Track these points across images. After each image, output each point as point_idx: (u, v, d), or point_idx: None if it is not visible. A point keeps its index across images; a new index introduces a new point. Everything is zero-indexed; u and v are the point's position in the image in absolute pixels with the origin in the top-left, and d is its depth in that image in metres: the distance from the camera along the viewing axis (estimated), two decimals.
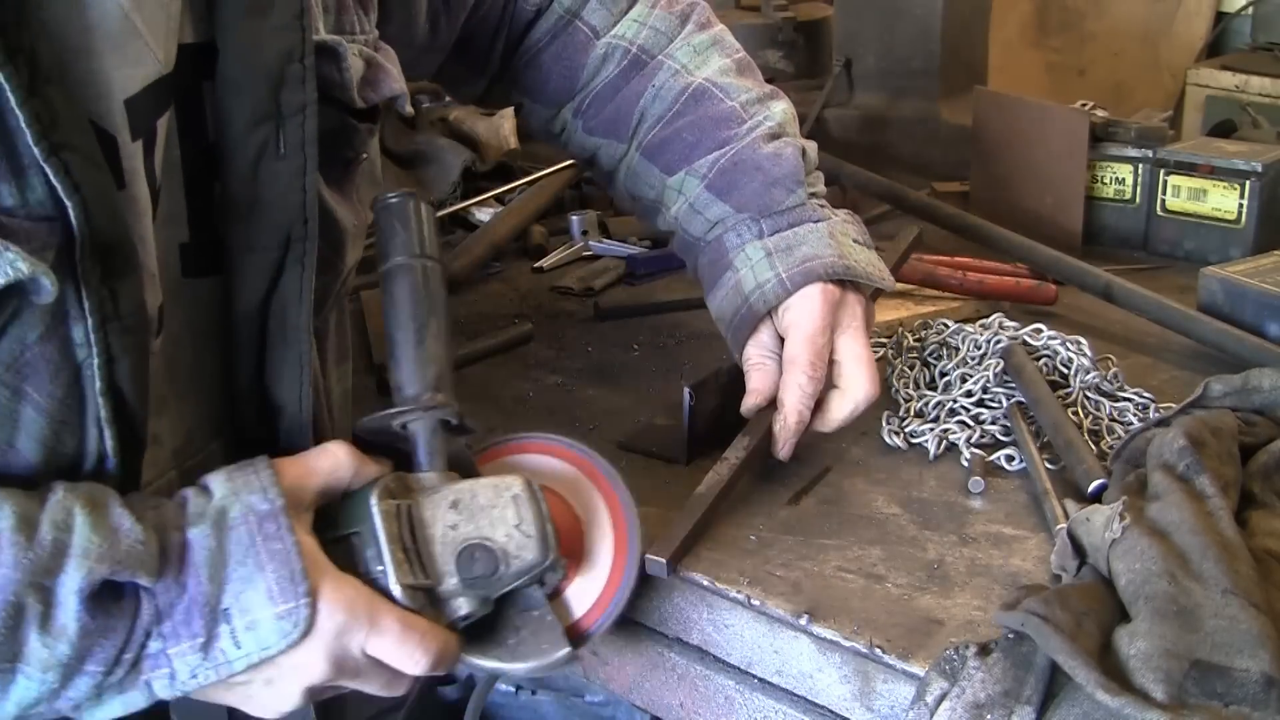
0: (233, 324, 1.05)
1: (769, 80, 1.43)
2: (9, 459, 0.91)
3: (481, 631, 1.05)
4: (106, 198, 0.90)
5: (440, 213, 2.00)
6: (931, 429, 1.33)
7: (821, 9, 2.43)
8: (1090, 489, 1.18)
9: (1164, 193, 1.81)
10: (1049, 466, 1.25)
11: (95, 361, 0.91)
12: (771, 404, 1.26)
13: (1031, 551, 1.15)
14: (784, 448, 1.25)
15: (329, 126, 1.05)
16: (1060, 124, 1.86)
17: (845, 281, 1.28)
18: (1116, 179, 1.84)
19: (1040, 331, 1.41)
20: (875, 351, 1.47)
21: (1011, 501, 1.24)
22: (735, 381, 1.33)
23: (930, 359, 1.44)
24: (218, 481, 0.97)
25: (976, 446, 1.31)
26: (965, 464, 1.29)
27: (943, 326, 1.46)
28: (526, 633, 1.06)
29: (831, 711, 1.09)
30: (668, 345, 1.61)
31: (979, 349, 1.41)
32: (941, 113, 2.21)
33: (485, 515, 1.02)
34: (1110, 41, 3.05)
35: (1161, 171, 1.80)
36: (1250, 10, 2.94)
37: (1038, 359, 1.39)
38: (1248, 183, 1.73)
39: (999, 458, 1.29)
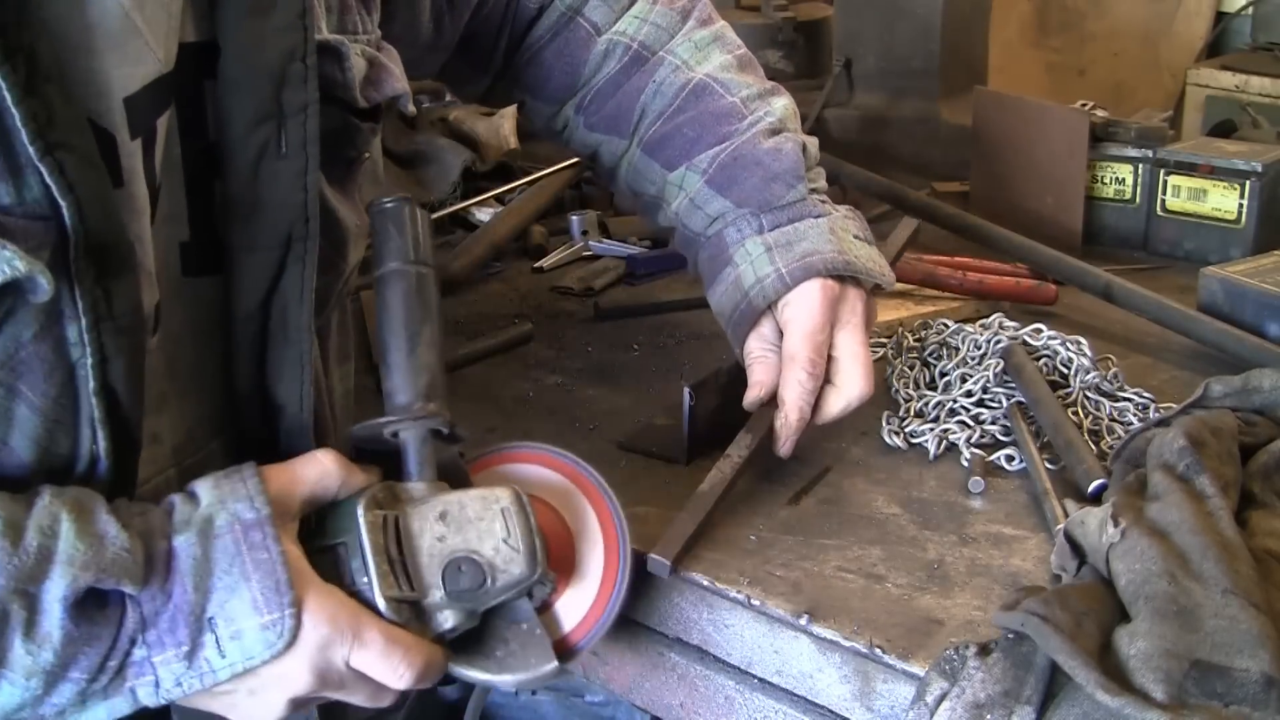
0: (234, 323, 1.05)
1: (769, 79, 1.43)
2: (2, 457, 0.91)
3: (469, 642, 1.04)
4: (102, 197, 0.90)
5: (440, 213, 2.00)
6: (931, 429, 1.33)
7: (821, 9, 2.43)
8: (1090, 489, 1.18)
9: (1164, 193, 1.81)
10: (1049, 466, 1.25)
11: (89, 361, 0.91)
12: (772, 402, 1.26)
13: (1031, 551, 1.15)
14: (785, 445, 1.25)
15: (331, 126, 1.05)
16: (1060, 124, 1.86)
17: (845, 277, 1.28)
18: (1116, 179, 1.84)
19: (1040, 331, 1.41)
20: (875, 351, 1.48)
21: (1011, 501, 1.24)
22: (735, 381, 1.33)
23: (930, 359, 1.44)
24: (204, 488, 0.97)
25: (976, 446, 1.31)
26: (965, 464, 1.29)
27: (943, 326, 1.46)
28: (515, 645, 1.05)
29: (831, 711, 1.09)
30: (668, 345, 1.61)
31: (979, 349, 1.41)
32: (941, 113, 2.21)
33: (473, 528, 1.01)
34: (1110, 41, 3.05)
35: (1161, 171, 1.80)
36: (1250, 10, 2.94)
37: (1038, 359, 1.39)
38: (1248, 183, 1.73)
39: (999, 458, 1.29)
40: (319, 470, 1.01)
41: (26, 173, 0.85)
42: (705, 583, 1.14)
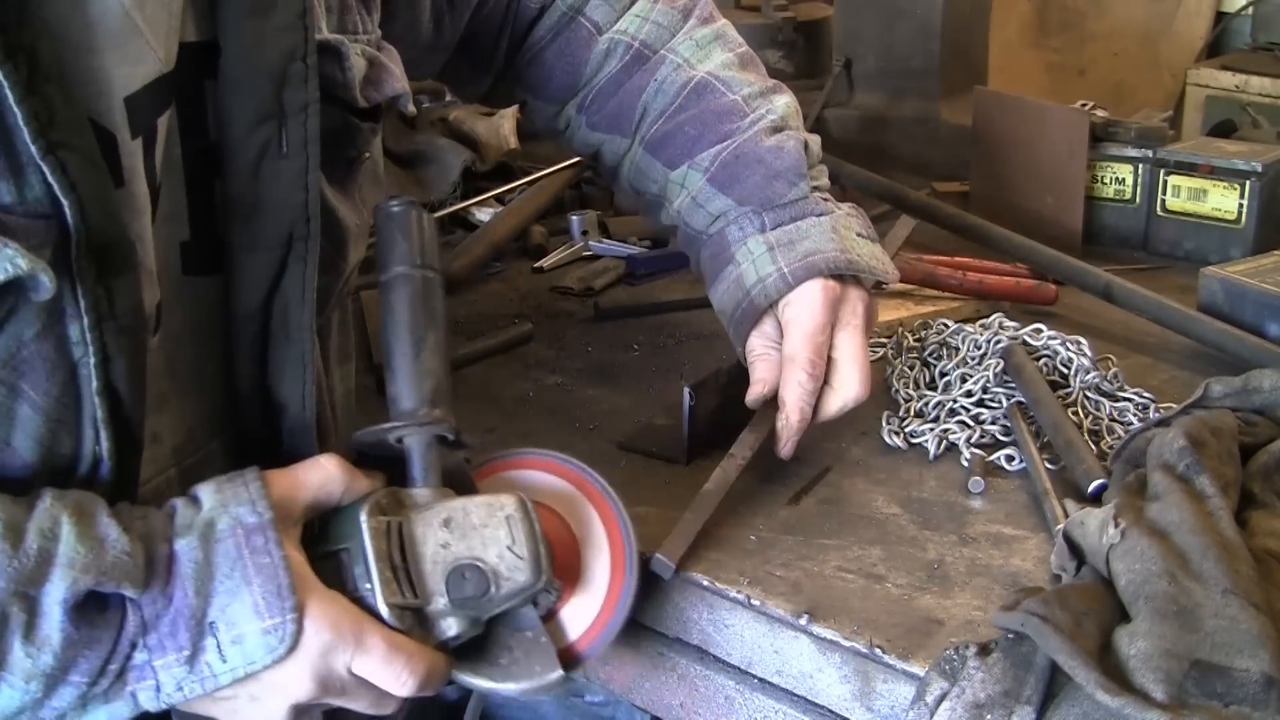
0: (235, 323, 1.05)
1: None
2: (5, 458, 0.91)
3: (474, 650, 1.04)
4: (103, 196, 0.90)
5: (440, 213, 2.00)
6: (931, 429, 1.33)
7: (821, 9, 2.43)
8: (1090, 489, 1.19)
9: (1164, 193, 1.81)
10: (1049, 466, 1.25)
11: (91, 361, 0.91)
12: (773, 403, 1.26)
13: (1031, 551, 1.15)
14: (786, 446, 1.25)
15: (331, 126, 1.05)
16: (1060, 124, 1.86)
17: (847, 276, 1.28)
18: (1116, 179, 1.84)
19: (1040, 331, 1.41)
20: (875, 351, 1.48)
21: (1011, 501, 1.24)
22: (735, 381, 1.33)
23: (930, 359, 1.44)
24: (207, 492, 0.96)
25: (976, 446, 1.31)
26: (965, 464, 1.29)
27: (943, 326, 1.46)
28: (519, 653, 1.04)
29: (831, 711, 1.09)
30: (668, 345, 1.61)
31: (979, 349, 1.41)
32: (941, 113, 2.21)
33: (477, 535, 1.00)
34: (1110, 41, 3.05)
35: (1161, 171, 1.80)
36: (1250, 10, 2.94)
37: (1038, 359, 1.39)
38: (1248, 183, 1.73)
39: (999, 458, 1.29)
40: (322, 475, 1.01)
41: (28, 171, 0.85)
42: (705, 583, 1.14)
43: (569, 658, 1.07)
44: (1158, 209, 1.82)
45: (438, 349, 1.07)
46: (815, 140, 1.36)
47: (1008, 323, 1.44)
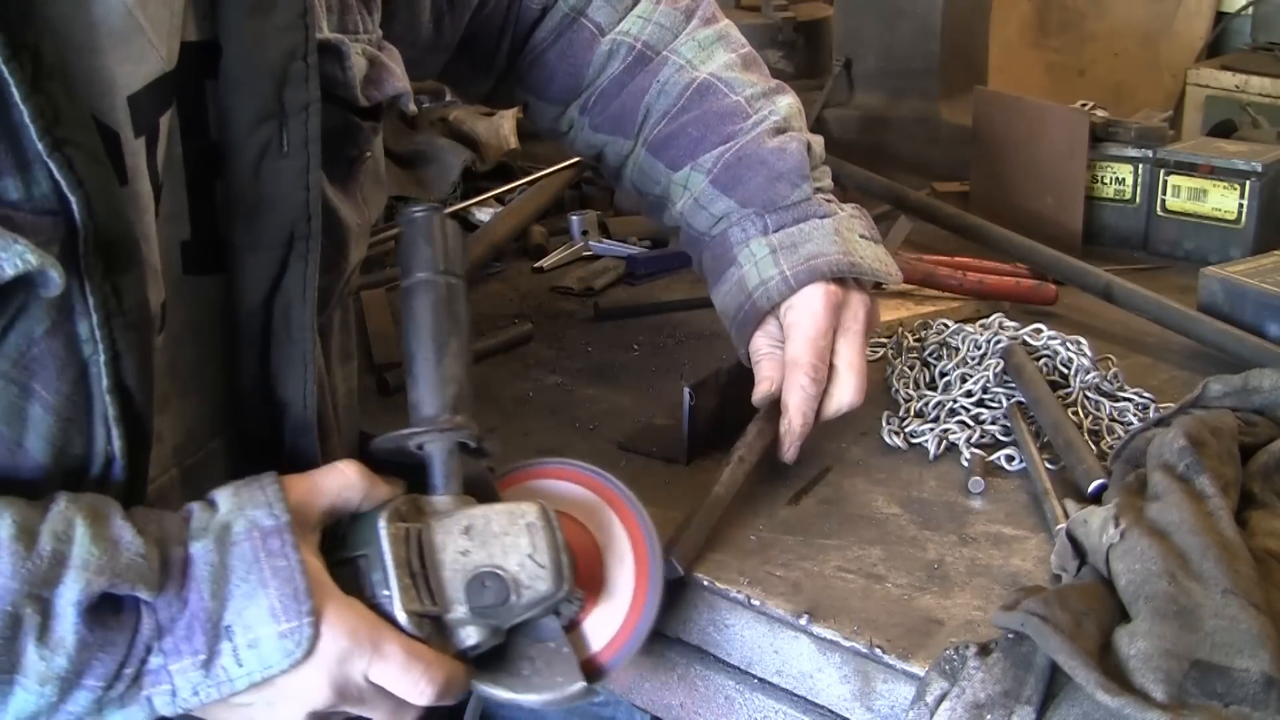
0: (236, 322, 1.05)
1: None
2: (17, 460, 0.91)
3: (495, 660, 1.02)
4: (109, 193, 0.90)
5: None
6: (931, 429, 1.33)
7: (821, 9, 2.43)
8: (1090, 489, 1.18)
9: (1164, 193, 1.81)
10: (1049, 466, 1.25)
11: (101, 358, 0.90)
12: (775, 404, 1.26)
13: (1031, 551, 1.15)
14: (790, 450, 1.26)
15: (332, 125, 1.05)
16: (1060, 124, 1.86)
17: (849, 279, 1.28)
18: (1116, 179, 1.84)
19: (1040, 331, 1.41)
20: (875, 351, 1.48)
21: (1011, 501, 1.24)
22: (735, 381, 1.33)
23: (930, 359, 1.44)
24: (223, 496, 0.96)
25: (976, 446, 1.31)
26: (965, 464, 1.29)
27: (943, 326, 1.46)
28: (541, 664, 1.03)
29: (831, 711, 1.09)
30: (668, 345, 1.61)
31: (979, 349, 1.41)
32: (941, 113, 2.21)
33: (498, 542, 0.99)
34: (1110, 41, 3.05)
35: (1161, 171, 1.80)
36: (1250, 10, 2.94)
37: (1038, 359, 1.39)
38: (1248, 183, 1.73)
39: (999, 458, 1.29)
40: (341, 481, 1.00)
41: (34, 168, 0.85)
42: (705, 583, 1.14)
43: (592, 669, 1.06)
44: (1158, 209, 1.82)
45: (460, 355, 1.06)
46: (818, 141, 1.36)
47: (1008, 323, 1.44)
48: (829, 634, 1.06)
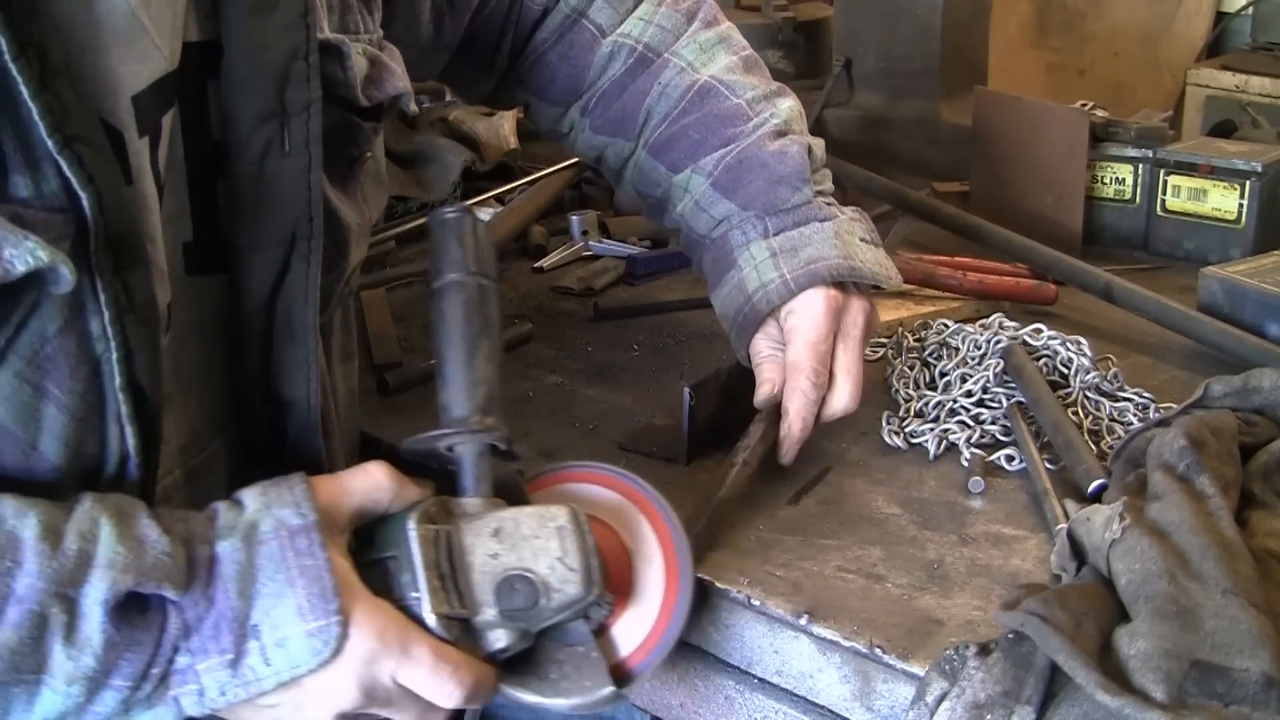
0: (239, 322, 1.05)
1: None
2: (32, 462, 0.90)
3: (523, 663, 1.02)
4: (117, 191, 0.90)
5: None
6: (931, 429, 1.33)
7: (821, 9, 2.43)
8: (1090, 489, 1.18)
9: (1164, 193, 1.81)
10: (1049, 466, 1.25)
11: (114, 356, 0.90)
12: (777, 407, 1.26)
13: (1031, 551, 1.15)
14: (789, 454, 1.26)
15: (333, 125, 1.05)
16: (1060, 124, 1.86)
17: (849, 283, 1.28)
18: (1116, 179, 1.84)
19: (1040, 331, 1.41)
20: (875, 351, 1.48)
21: (1011, 501, 1.24)
22: (735, 381, 1.33)
23: (930, 359, 1.44)
24: (250, 495, 0.95)
25: (976, 446, 1.31)
26: (965, 464, 1.29)
27: (943, 326, 1.46)
28: (569, 668, 1.02)
29: (831, 711, 1.09)
30: (668, 345, 1.61)
31: (979, 349, 1.41)
32: (941, 113, 2.21)
33: (528, 545, 0.98)
34: (1110, 41, 3.06)
35: (1161, 171, 1.80)
36: (1250, 10, 2.94)
37: (1038, 359, 1.39)
38: (1248, 183, 1.73)
39: (999, 458, 1.29)
40: (370, 482, 1.00)
41: (44, 165, 0.85)
42: (705, 583, 1.13)
43: (620, 674, 1.05)
44: (1158, 209, 1.82)
45: (491, 357, 1.06)
46: (819, 144, 1.36)
47: (1008, 323, 1.44)
48: (829, 634, 1.06)
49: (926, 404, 1.37)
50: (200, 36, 1.00)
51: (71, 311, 0.89)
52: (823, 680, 1.08)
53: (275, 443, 1.07)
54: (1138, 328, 1.58)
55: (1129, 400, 1.36)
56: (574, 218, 1.95)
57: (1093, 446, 1.27)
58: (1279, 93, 2.63)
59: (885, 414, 1.37)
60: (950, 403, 1.36)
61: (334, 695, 0.94)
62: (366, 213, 1.18)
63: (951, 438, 1.32)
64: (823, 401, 1.26)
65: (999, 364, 1.38)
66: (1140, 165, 1.82)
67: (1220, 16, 2.99)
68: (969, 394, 1.36)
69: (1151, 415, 1.32)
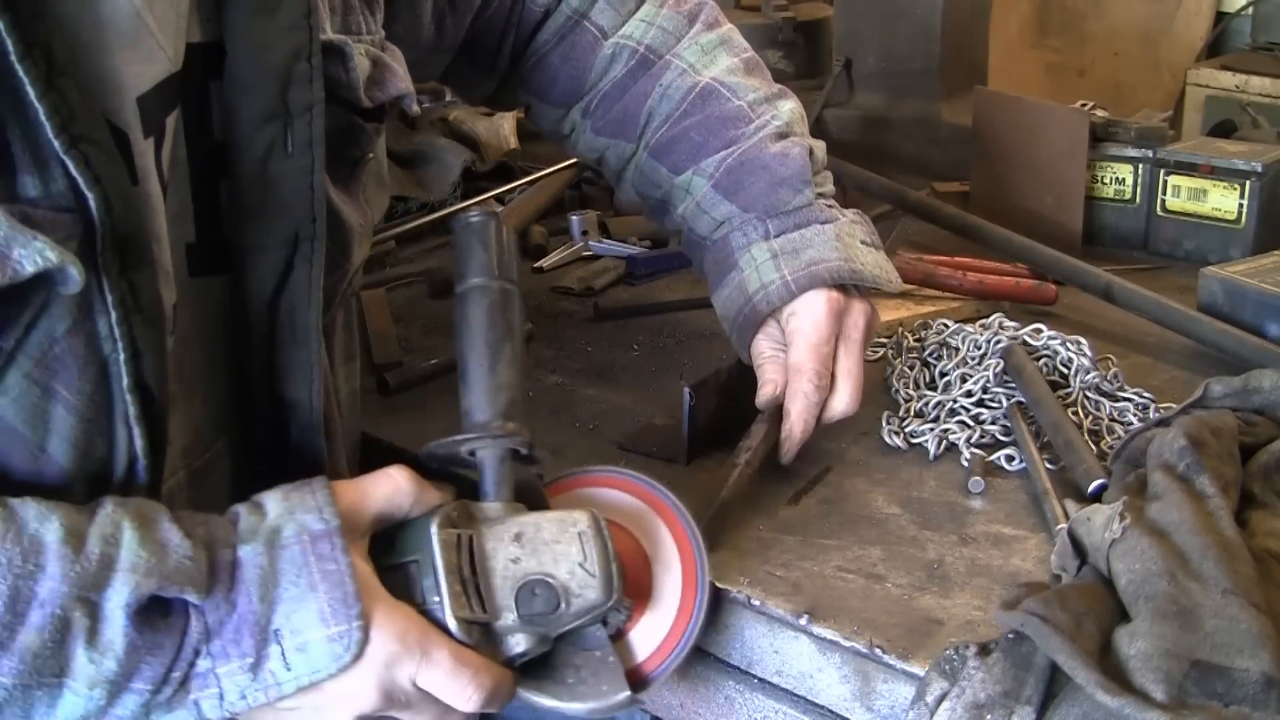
0: (242, 323, 1.05)
1: None
2: (41, 465, 0.91)
3: (540, 667, 1.02)
4: (123, 192, 0.90)
5: (440, 213, 2.00)
6: (931, 429, 1.33)
7: (821, 9, 2.43)
8: (1090, 489, 1.19)
9: (1164, 193, 1.81)
10: (1049, 466, 1.25)
11: (121, 356, 0.90)
12: (778, 409, 1.26)
13: (1031, 551, 1.15)
14: (788, 455, 1.26)
15: (336, 126, 1.05)
16: (1060, 124, 1.86)
17: (850, 285, 1.28)
18: (1116, 179, 1.84)
19: (1040, 331, 1.41)
20: (875, 351, 1.48)
21: (1011, 501, 1.24)
22: (735, 381, 1.33)
23: (930, 359, 1.44)
24: (272, 500, 0.96)
25: (976, 446, 1.31)
26: (965, 464, 1.29)
27: (943, 326, 1.46)
28: (586, 672, 1.03)
29: (831, 711, 1.09)
30: (668, 345, 1.61)
31: (979, 349, 1.41)
32: (941, 113, 2.21)
33: (549, 550, 0.99)
34: (1110, 41, 3.06)
35: (1161, 171, 1.80)
36: (1250, 10, 2.94)
37: (1038, 359, 1.39)
38: (1248, 183, 1.73)
39: (999, 458, 1.29)
40: (391, 487, 1.00)
41: (51, 165, 0.85)
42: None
43: (636, 678, 1.06)
44: (1158, 209, 1.82)
45: (513, 362, 1.06)
46: (820, 146, 1.36)
47: (1008, 323, 1.44)
48: (829, 634, 1.06)
49: (926, 404, 1.37)
50: (203, 37, 1.00)
51: (80, 312, 0.89)
52: (823, 680, 1.08)
53: (278, 444, 1.08)
54: (1138, 328, 1.58)
55: (1129, 400, 1.36)
56: (574, 218, 1.95)
57: (1093, 446, 1.27)
58: (1279, 93, 2.63)
59: (885, 414, 1.37)
60: (950, 403, 1.36)
61: (354, 698, 0.94)
62: (369, 213, 1.18)
63: (951, 438, 1.32)
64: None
65: (999, 364, 1.38)
66: (1140, 165, 1.82)
67: (1220, 16, 2.99)
68: (969, 394, 1.37)
69: (1151, 415, 1.32)
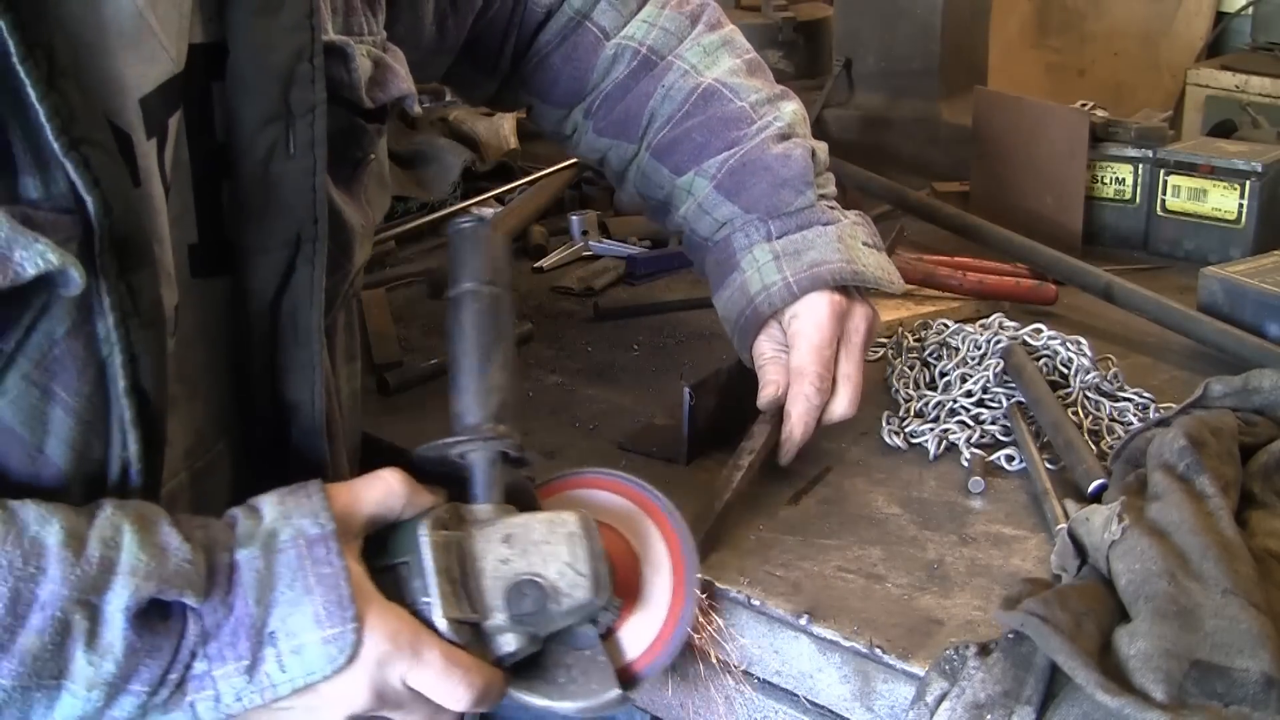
0: (243, 324, 1.05)
1: None
2: (38, 466, 0.91)
3: (531, 667, 1.03)
4: (124, 193, 0.90)
5: (440, 213, 2.00)
6: (931, 429, 1.33)
7: (821, 9, 2.43)
8: (1090, 489, 1.19)
9: (1164, 193, 1.81)
10: (1049, 466, 1.26)
11: (118, 359, 0.91)
12: (779, 410, 1.26)
13: (1031, 551, 1.15)
14: (787, 456, 1.26)
15: (338, 127, 1.05)
16: (1060, 124, 1.86)
17: (852, 287, 1.28)
18: (1116, 179, 1.84)
19: (1040, 331, 1.41)
20: (875, 351, 1.48)
21: (1011, 501, 1.24)
22: (735, 381, 1.33)
23: (930, 359, 1.44)
24: (268, 504, 0.96)
25: (976, 446, 1.31)
26: (965, 464, 1.29)
27: (943, 326, 1.46)
28: (577, 671, 1.04)
29: (831, 711, 1.09)
30: (668, 345, 1.61)
31: (979, 349, 1.41)
32: (941, 113, 2.21)
33: (538, 551, 1.00)
34: (1110, 41, 3.06)
35: (1161, 171, 1.81)
36: (1250, 10, 2.94)
37: (1038, 359, 1.39)
38: (1248, 183, 1.73)
39: (999, 458, 1.29)
40: (384, 489, 1.00)
41: (53, 167, 0.86)
42: (706, 582, 1.13)
43: (626, 677, 1.06)
44: (1158, 209, 1.82)
45: (505, 365, 1.07)
46: (822, 148, 1.36)
47: (1008, 323, 1.45)
48: (829, 634, 1.06)
49: (926, 404, 1.37)
50: (205, 38, 1.00)
51: (80, 314, 0.89)
52: (823, 680, 1.08)
53: (279, 445, 1.08)
54: (1138, 328, 1.58)
55: (1129, 400, 1.36)
56: (574, 218, 1.95)
57: (1093, 446, 1.27)
58: (1279, 93, 2.63)
59: (885, 414, 1.37)
60: (950, 403, 1.36)
61: (347, 698, 0.94)
62: (370, 214, 1.18)
63: (951, 438, 1.32)
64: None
65: (999, 364, 1.38)
66: (1140, 165, 1.82)
67: (1220, 16, 2.99)
68: (969, 394, 1.37)
69: (1151, 415, 1.32)
